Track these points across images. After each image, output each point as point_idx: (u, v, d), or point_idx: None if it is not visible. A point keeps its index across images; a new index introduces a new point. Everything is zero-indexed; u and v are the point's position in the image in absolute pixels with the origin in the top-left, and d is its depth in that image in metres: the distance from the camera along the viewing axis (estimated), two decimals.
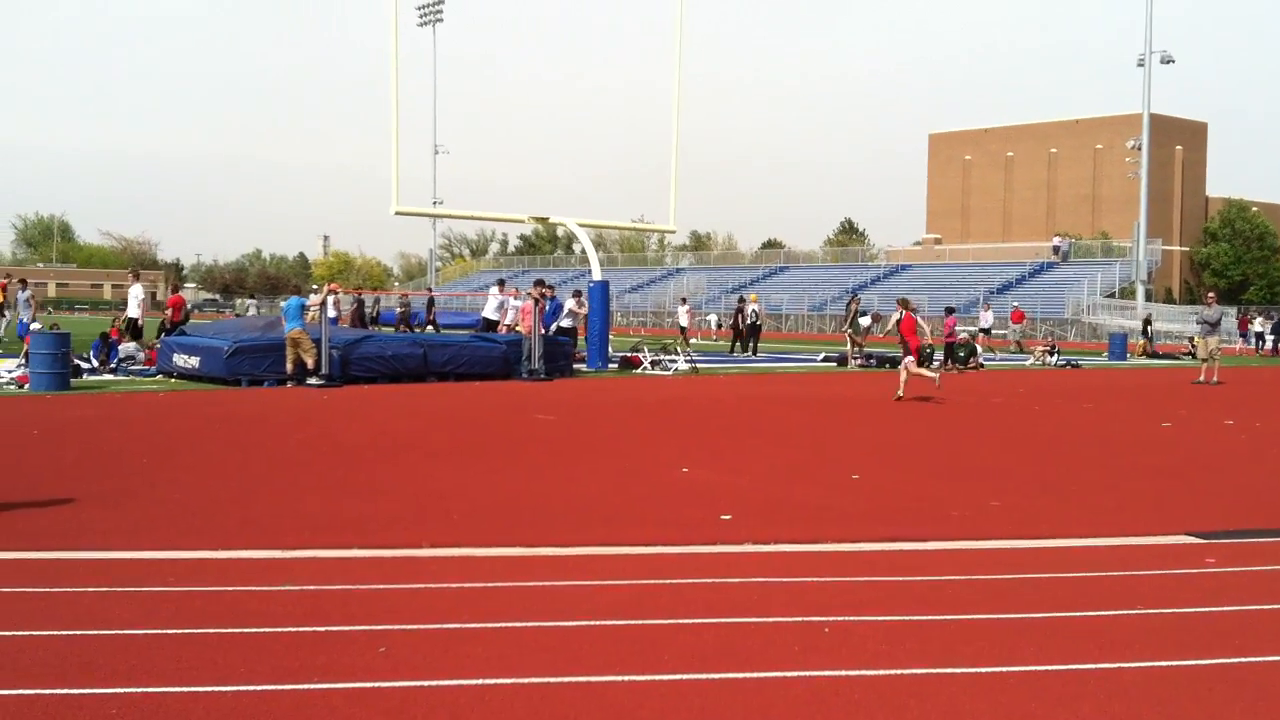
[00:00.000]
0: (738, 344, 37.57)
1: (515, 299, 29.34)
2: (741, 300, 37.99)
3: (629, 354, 29.55)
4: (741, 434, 15.10)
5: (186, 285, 36.59)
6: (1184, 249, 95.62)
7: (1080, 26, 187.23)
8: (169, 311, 27.50)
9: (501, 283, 32.30)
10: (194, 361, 21.45)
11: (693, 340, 49.06)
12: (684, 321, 36.30)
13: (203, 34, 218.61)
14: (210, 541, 7.56)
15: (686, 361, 28.35)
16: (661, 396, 20.45)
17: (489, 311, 29.38)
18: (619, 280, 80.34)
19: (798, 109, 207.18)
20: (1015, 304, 52.42)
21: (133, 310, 24.50)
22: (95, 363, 23.04)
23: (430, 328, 37.31)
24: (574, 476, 10.81)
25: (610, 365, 28.18)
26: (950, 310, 34.02)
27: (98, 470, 10.51)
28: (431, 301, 43.04)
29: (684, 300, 38.09)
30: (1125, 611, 6.25)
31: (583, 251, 40.25)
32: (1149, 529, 8.67)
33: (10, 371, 20.72)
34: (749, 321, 36.91)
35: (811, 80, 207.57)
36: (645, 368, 27.84)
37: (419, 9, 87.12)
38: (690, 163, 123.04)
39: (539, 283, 25.63)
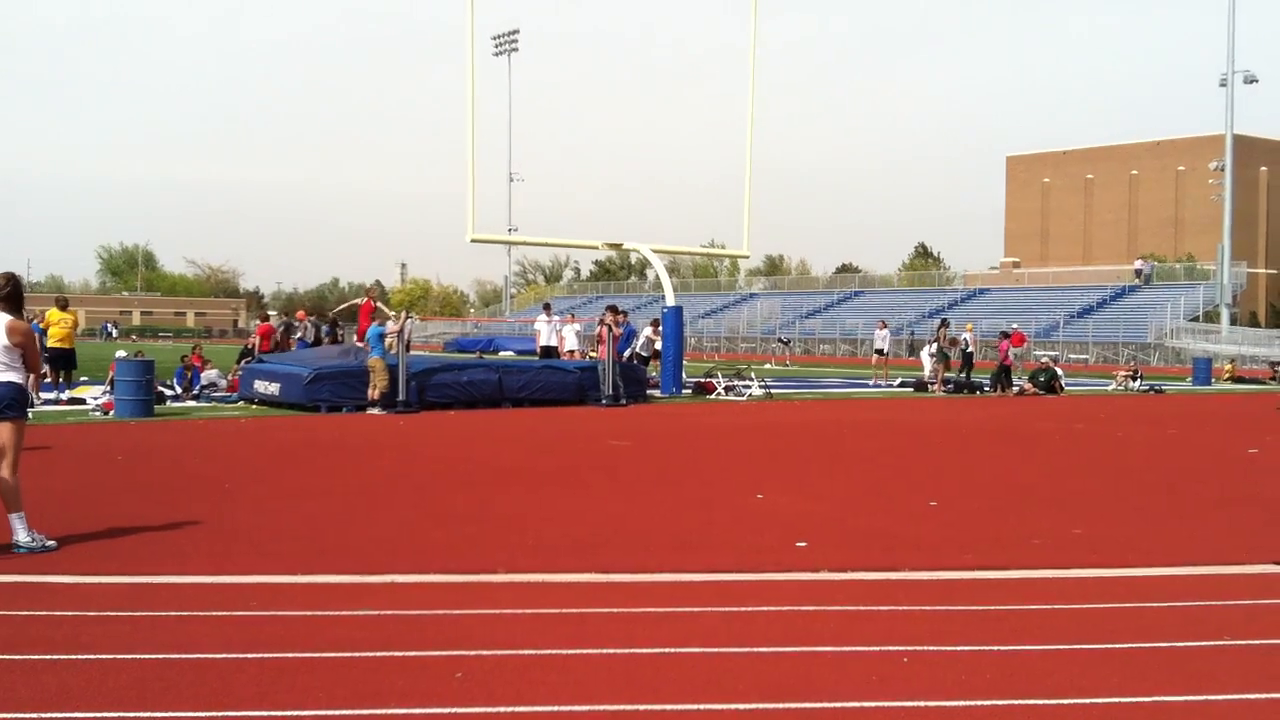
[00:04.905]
0: (965, 373, 33.74)
1: (547, 321, 29.43)
2: (945, 324, 34.92)
3: (703, 379, 29.53)
4: (816, 460, 15.00)
5: (268, 313, 36.85)
6: (1270, 272, 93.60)
7: (1160, 46, 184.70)
8: (257, 340, 27.71)
9: (547, 307, 32.27)
10: (274, 388, 21.78)
11: (767, 365, 48.92)
12: (637, 348, 32.03)
13: (282, 66, 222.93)
14: (290, 566, 7.65)
15: (761, 387, 28.25)
16: (736, 422, 20.39)
17: (546, 340, 29.47)
18: (692, 305, 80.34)
19: (872, 131, 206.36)
20: (1015, 324, 45.75)
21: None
22: (178, 389, 23.49)
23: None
24: (648, 502, 10.80)
25: (684, 391, 28.16)
26: (1005, 334, 33.02)
27: (180, 496, 10.69)
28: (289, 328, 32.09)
29: (655, 323, 33.07)
30: (1211, 642, 6.10)
31: (656, 277, 40.05)
32: (1235, 558, 8.46)
33: (96, 398, 21.17)
34: (964, 350, 33.87)
35: (886, 102, 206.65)
36: (719, 393, 27.80)
37: (494, 39, 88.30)
38: (763, 186, 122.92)
39: (612, 308, 25.69)
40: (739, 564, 7.91)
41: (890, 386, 33.76)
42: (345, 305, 37.69)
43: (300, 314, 33.19)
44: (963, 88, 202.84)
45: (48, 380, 22.35)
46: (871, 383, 34.94)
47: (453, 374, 22.61)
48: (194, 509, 9.84)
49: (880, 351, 36.62)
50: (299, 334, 29.24)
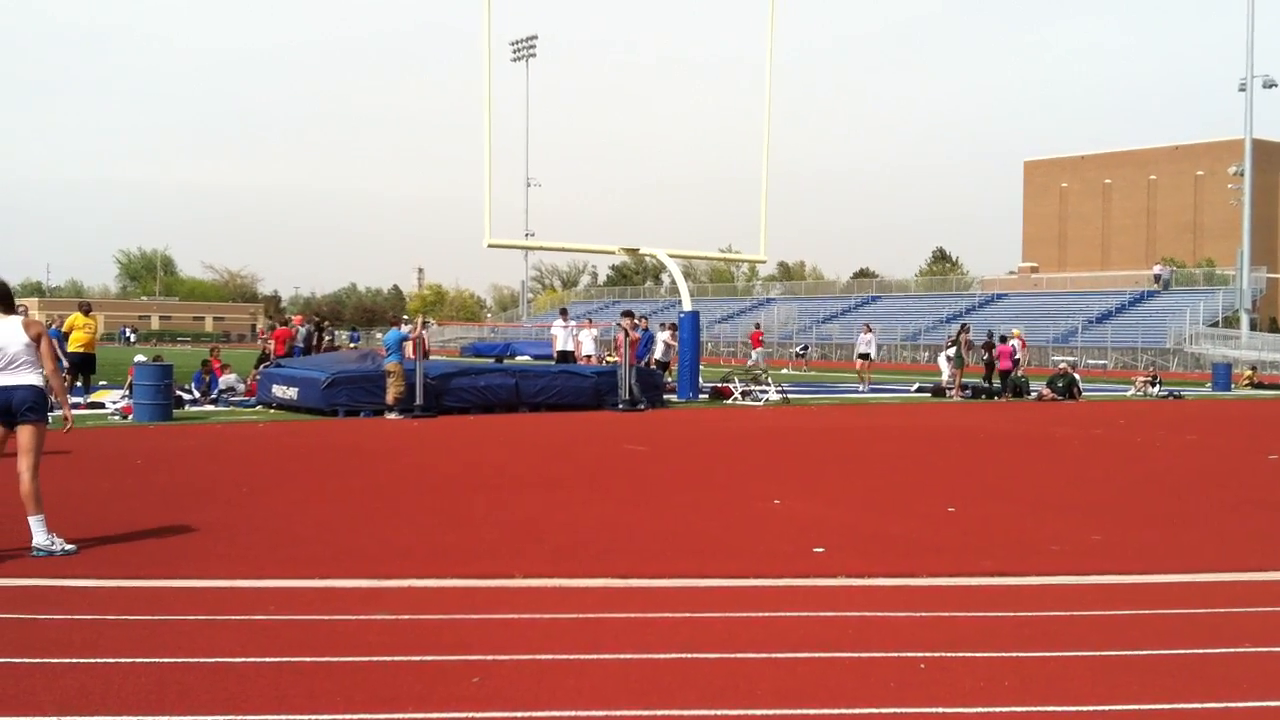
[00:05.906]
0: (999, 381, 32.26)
1: (564, 326, 29.37)
2: (964, 329, 32.76)
3: (719, 384, 29.49)
4: (834, 465, 14.97)
5: (287, 318, 36.73)
6: None
7: (1179, 51, 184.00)
8: (272, 344, 27.70)
9: (564, 312, 32.19)
10: (292, 393, 21.84)
11: (784, 370, 48.81)
12: (657, 354, 29.94)
13: (301, 70, 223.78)
14: (307, 571, 7.66)
15: (778, 392, 28.21)
16: (753, 427, 20.36)
17: (563, 345, 29.42)
18: (709, 310, 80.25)
19: (889, 135, 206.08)
20: (1018, 329, 41.39)
21: None
22: (197, 393, 23.56)
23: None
24: (665, 507, 10.78)
25: (701, 396, 28.13)
26: (1004, 339, 32.40)
27: (198, 500, 10.72)
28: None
29: (672, 327, 30.38)
30: (1231, 650, 6.06)
31: (672, 282, 40.00)
32: (1255, 565, 8.41)
33: (115, 402, 21.25)
34: (1014, 357, 32.11)
35: (903, 106, 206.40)
36: (736, 398, 27.76)
37: (513, 45, 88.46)
38: (780, 191, 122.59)
39: (628, 314, 25.66)
40: (756, 569, 7.89)
41: (868, 392, 33.29)
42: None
43: (297, 319, 33.23)
44: (980, 92, 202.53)
45: (65, 382, 22.45)
46: (860, 388, 34.40)
47: (470, 379, 22.63)
48: (211, 513, 9.87)
49: (865, 356, 35.98)
50: None
